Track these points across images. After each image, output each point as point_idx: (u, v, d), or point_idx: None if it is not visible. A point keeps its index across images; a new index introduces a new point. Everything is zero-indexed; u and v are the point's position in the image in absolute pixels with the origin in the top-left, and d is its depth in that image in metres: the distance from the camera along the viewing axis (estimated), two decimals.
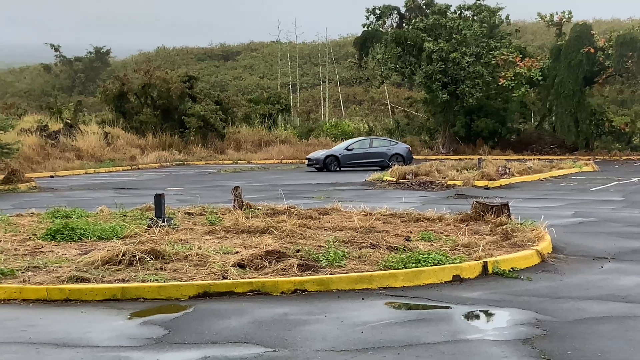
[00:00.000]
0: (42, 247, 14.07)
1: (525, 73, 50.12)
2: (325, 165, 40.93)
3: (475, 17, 54.36)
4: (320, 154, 42.34)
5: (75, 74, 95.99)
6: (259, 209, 18.48)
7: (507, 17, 56.36)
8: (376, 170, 39.39)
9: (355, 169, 41.12)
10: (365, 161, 41.68)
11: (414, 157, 50.93)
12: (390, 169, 33.17)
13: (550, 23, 55.88)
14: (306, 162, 42.91)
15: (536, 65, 51.13)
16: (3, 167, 35.45)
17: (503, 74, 50.89)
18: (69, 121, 52.69)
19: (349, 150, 41.96)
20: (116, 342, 8.70)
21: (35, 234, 15.37)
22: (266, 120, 61.15)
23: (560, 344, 8.37)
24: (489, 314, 10.04)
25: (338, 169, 41.08)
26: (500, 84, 50.79)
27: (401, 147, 43.24)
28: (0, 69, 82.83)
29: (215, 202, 21.20)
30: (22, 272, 11.78)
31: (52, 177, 39.50)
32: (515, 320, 9.51)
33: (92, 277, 11.36)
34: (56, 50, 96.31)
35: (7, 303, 10.72)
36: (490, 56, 52.08)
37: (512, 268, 12.32)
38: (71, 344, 8.61)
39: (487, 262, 12.24)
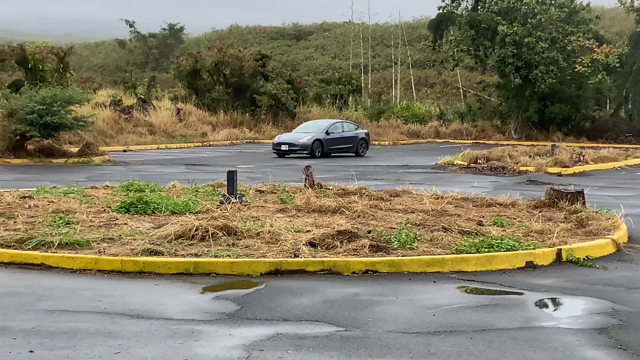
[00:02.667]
0: (117, 219, 14.29)
1: (602, 60, 49.15)
2: (312, 151, 36.82)
3: (553, 2, 53.41)
4: (305, 138, 37.28)
5: (149, 50, 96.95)
6: (329, 188, 18.50)
7: (587, 5, 55.18)
8: (351, 156, 38.09)
9: (334, 154, 38.00)
10: (341, 146, 38.56)
11: (486, 142, 50.58)
12: (462, 153, 32.86)
13: (630, 9, 54.64)
14: (281, 147, 37.06)
15: (614, 51, 50.10)
16: (78, 140, 36.05)
17: (579, 60, 49.96)
18: (142, 96, 53.30)
19: (328, 134, 38.09)
20: (189, 315, 8.79)
21: (109, 207, 15.59)
22: (337, 101, 61.10)
23: (637, 335, 8.21)
24: (563, 302, 9.90)
25: (320, 155, 37.12)
26: (576, 70, 49.88)
27: (363, 132, 40.47)
28: (77, 43, 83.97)
29: (286, 180, 21.27)
30: (98, 244, 11.96)
31: (125, 151, 40.06)
32: (590, 309, 9.37)
33: (165, 250, 11.49)
34: (131, 26, 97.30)
35: (83, 273, 10.91)
36: (566, 41, 51.18)
37: (586, 256, 12.13)
38: (145, 316, 8.71)
39: (561, 249, 12.07)
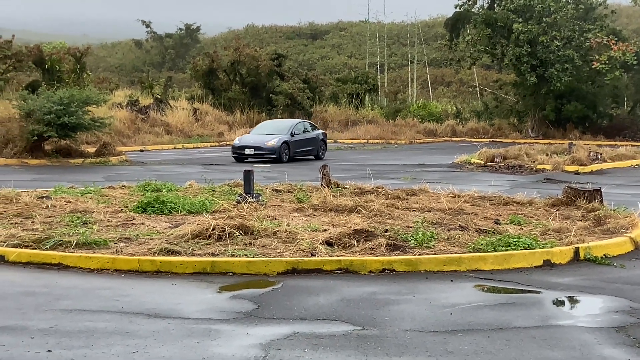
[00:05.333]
0: (134, 219, 14.33)
1: (619, 57, 48.84)
2: (280, 155, 33.38)
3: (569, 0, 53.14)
4: (272, 140, 33.64)
5: (166, 50, 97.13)
6: (346, 187, 18.49)
7: (604, 1, 54.80)
8: (311, 159, 35.13)
9: (297, 158, 34.82)
10: (305, 149, 35.40)
11: (503, 140, 50.42)
12: (478, 152, 32.78)
13: None
14: (245, 150, 33.40)
15: (631, 49, 49.79)
16: (95, 140, 36.18)
17: (596, 57, 49.67)
18: (159, 96, 53.42)
19: (293, 135, 34.65)
20: (206, 314, 8.80)
21: (126, 206, 15.65)
22: (353, 100, 61.07)
23: None
24: (580, 300, 9.86)
25: (287, 159, 33.77)
26: (593, 67, 49.59)
27: (321, 132, 37.32)
28: (93, 44, 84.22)
29: (302, 180, 21.28)
30: (115, 243, 12.01)
31: (141, 151, 40.17)
32: (608, 307, 9.32)
33: (182, 250, 11.51)
34: (147, 26, 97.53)
35: (101, 273, 10.95)
36: (583, 39, 50.88)
37: (604, 255, 12.09)
38: (162, 315, 8.73)
39: (578, 247, 12.03)
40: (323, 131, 38.58)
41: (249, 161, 33.03)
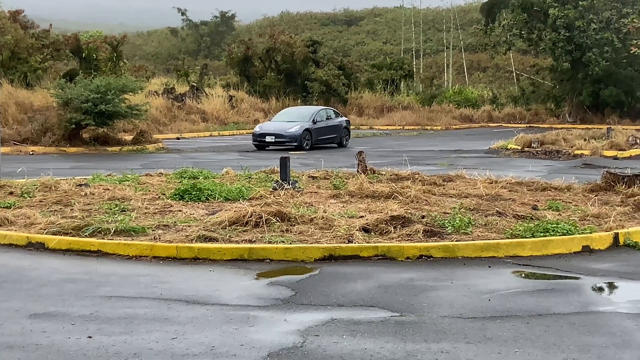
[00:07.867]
0: (171, 206, 14.40)
1: None
2: (301, 142, 32.77)
3: None
4: (294, 127, 33.10)
5: (201, 38, 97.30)
6: (382, 174, 18.47)
7: None
8: (334, 147, 34.51)
9: (319, 146, 33.97)
10: (327, 137, 34.63)
11: (540, 126, 50.04)
12: (515, 137, 32.56)
13: None
14: (265, 138, 32.96)
15: None
16: (132, 128, 36.38)
17: (635, 42, 49.06)
18: (195, 84, 53.56)
19: (315, 123, 34.02)
20: (244, 301, 8.83)
21: (164, 194, 15.73)
22: (389, 86, 60.90)
23: None
24: (620, 286, 9.79)
25: (309, 147, 33.22)
26: (631, 52, 49.02)
27: (345, 120, 36.59)
28: (129, 32, 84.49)
29: (338, 166, 21.28)
30: (153, 230, 12.08)
31: (178, 138, 40.36)
32: None
33: (219, 237, 11.56)
34: (183, 14, 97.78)
35: (139, 259, 11.03)
36: (621, 23, 50.28)
37: None
38: (201, 302, 8.78)
39: (618, 233, 11.92)
40: (347, 119, 37.86)
41: (270, 149, 32.62)
